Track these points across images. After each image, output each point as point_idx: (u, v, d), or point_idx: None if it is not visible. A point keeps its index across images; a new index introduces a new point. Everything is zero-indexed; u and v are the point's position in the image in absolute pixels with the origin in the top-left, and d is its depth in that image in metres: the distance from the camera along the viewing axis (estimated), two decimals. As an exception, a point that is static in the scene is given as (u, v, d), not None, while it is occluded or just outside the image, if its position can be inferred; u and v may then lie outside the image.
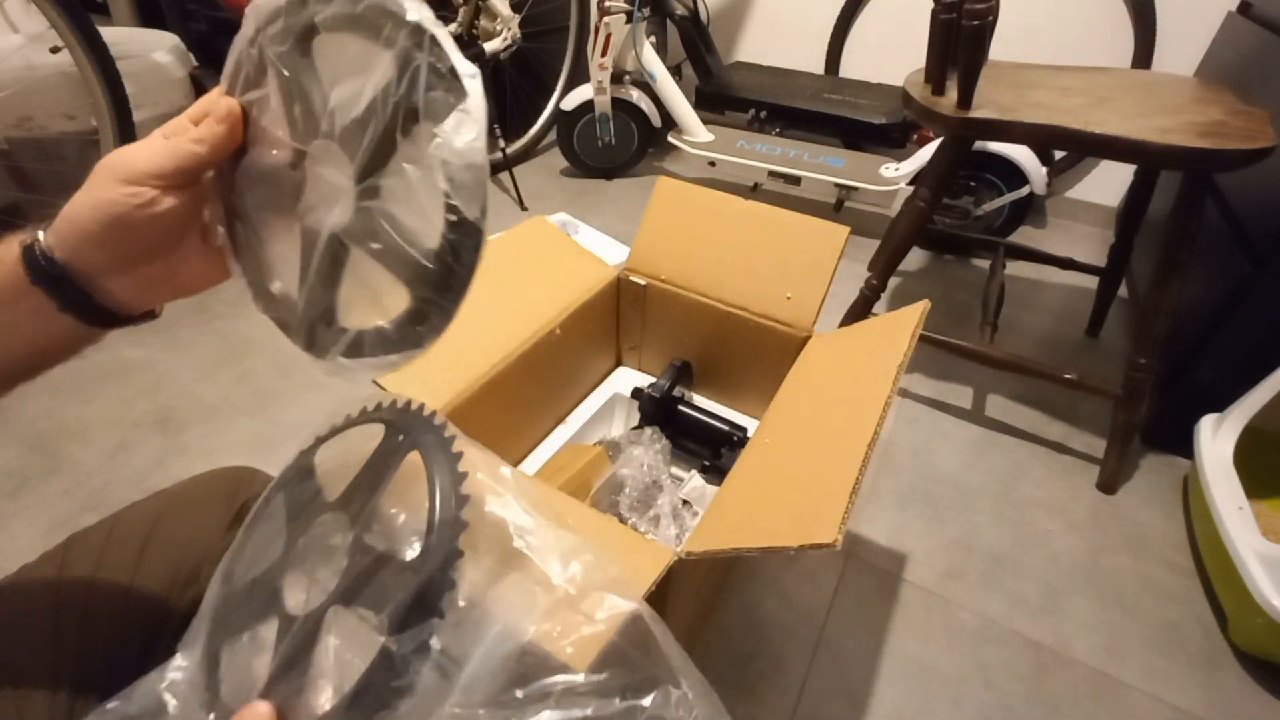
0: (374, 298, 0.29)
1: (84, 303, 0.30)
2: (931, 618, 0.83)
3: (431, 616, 0.25)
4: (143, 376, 1.14)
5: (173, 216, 0.30)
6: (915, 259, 1.60)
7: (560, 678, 0.27)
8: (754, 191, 1.75)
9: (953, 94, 0.85)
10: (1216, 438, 0.91)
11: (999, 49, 0.95)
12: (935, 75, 0.87)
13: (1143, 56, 1.54)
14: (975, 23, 0.76)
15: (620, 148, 1.85)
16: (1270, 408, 0.88)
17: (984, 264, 1.57)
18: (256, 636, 0.28)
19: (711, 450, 0.77)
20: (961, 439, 1.10)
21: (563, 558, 0.30)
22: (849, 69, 1.89)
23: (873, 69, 1.85)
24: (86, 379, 1.13)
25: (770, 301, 0.72)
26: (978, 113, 0.83)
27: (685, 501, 0.73)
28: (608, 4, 1.55)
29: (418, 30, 0.25)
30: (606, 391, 0.85)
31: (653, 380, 0.80)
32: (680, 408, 0.78)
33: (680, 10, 1.70)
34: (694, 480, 0.78)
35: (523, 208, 1.75)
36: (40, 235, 0.29)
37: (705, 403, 0.83)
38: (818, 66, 1.91)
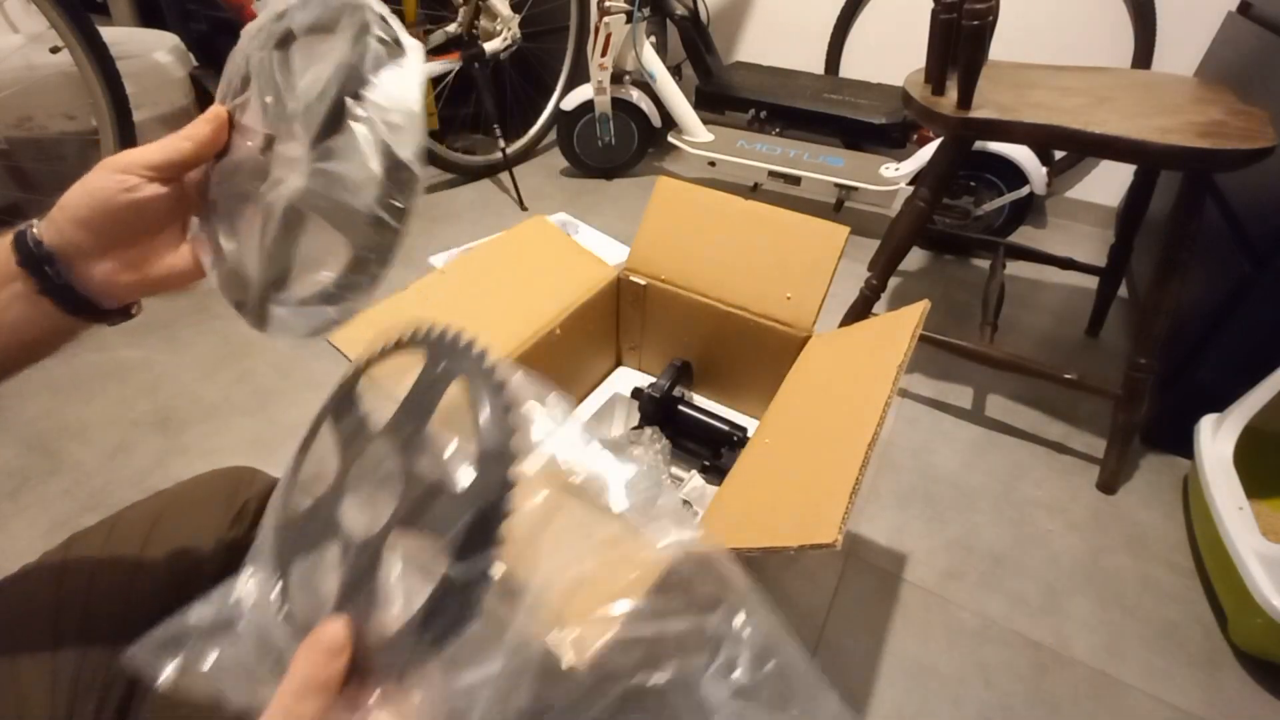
0: (321, 263, 0.32)
1: (63, 288, 0.32)
2: (931, 618, 0.83)
3: (490, 545, 0.25)
4: (142, 376, 1.14)
5: (155, 204, 0.33)
6: (915, 259, 1.60)
7: (623, 602, 0.27)
8: (754, 191, 1.75)
9: (953, 94, 0.85)
10: (1216, 438, 0.91)
11: (999, 49, 0.95)
12: (935, 75, 0.87)
13: (1143, 56, 1.54)
14: (975, 23, 0.76)
15: (620, 148, 1.85)
16: (1270, 408, 0.88)
17: (984, 264, 1.57)
18: (321, 558, 0.28)
19: (711, 450, 0.77)
20: (961, 439, 1.10)
21: (620, 486, 0.30)
22: (849, 69, 1.89)
23: (873, 69, 1.85)
24: (86, 379, 1.13)
25: (770, 301, 0.72)
26: (978, 113, 0.83)
27: (685, 501, 0.73)
28: (608, 4, 1.55)
29: (370, 10, 0.29)
30: (606, 391, 0.85)
31: (653, 380, 0.80)
32: (680, 408, 0.78)
33: (680, 10, 1.70)
34: (694, 480, 0.78)
35: (523, 208, 1.75)
36: (35, 223, 0.32)
37: (705, 403, 0.83)
38: (818, 66, 1.91)
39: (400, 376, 0.30)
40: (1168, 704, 0.75)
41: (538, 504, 0.27)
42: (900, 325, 0.57)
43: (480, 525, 0.25)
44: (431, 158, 1.78)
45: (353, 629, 0.26)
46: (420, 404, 0.29)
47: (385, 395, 0.30)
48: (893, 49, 1.82)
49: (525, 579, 0.26)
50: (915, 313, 0.58)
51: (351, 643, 0.25)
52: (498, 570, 0.25)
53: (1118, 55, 1.58)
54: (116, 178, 0.31)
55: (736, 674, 0.27)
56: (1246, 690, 0.77)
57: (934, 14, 0.82)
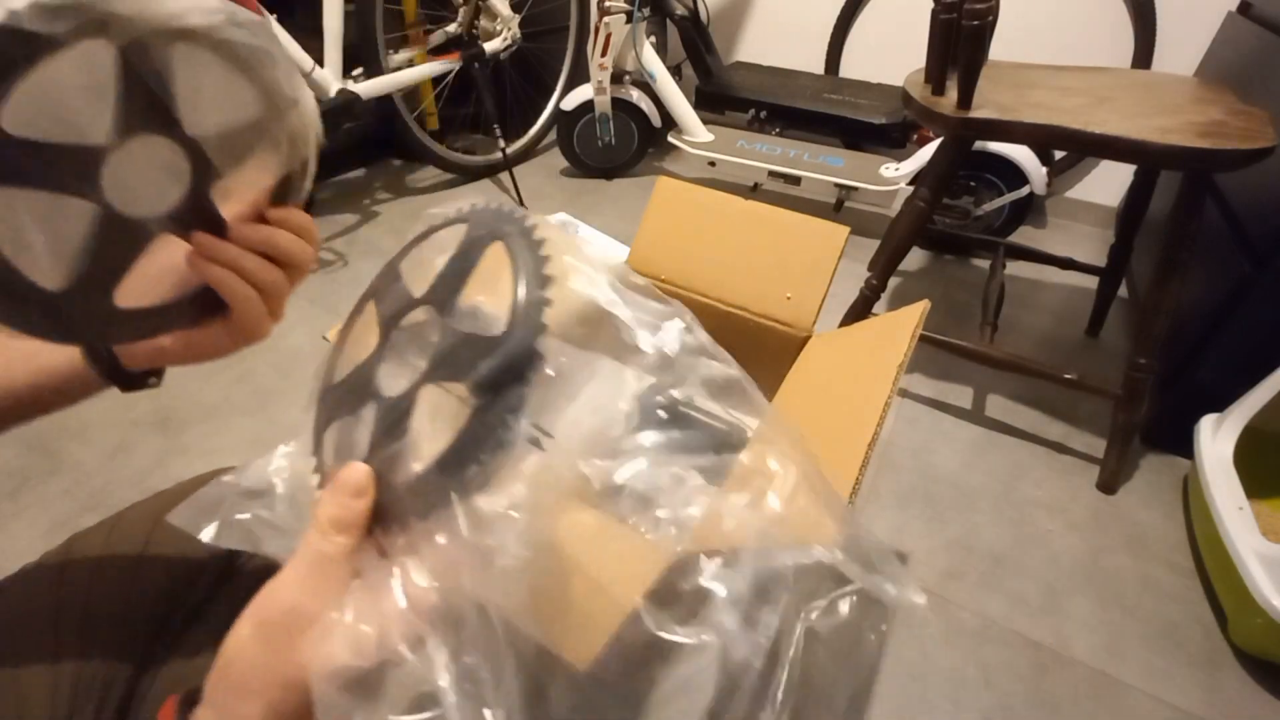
0: None
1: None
2: (931, 618, 0.83)
3: (517, 385, 0.25)
4: (143, 376, 1.14)
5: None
6: (915, 259, 1.60)
7: (651, 434, 0.28)
8: (754, 191, 1.75)
9: (953, 94, 0.85)
10: (1216, 438, 0.91)
11: (999, 49, 0.95)
12: (935, 75, 0.87)
13: (1143, 56, 1.54)
14: (975, 23, 0.76)
15: (620, 148, 1.85)
16: (1270, 408, 0.88)
17: (984, 264, 1.57)
18: (357, 418, 0.29)
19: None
20: (961, 439, 1.10)
21: (651, 326, 0.30)
22: (849, 69, 1.89)
23: (873, 69, 1.85)
24: (86, 379, 1.13)
25: (770, 301, 0.72)
26: (978, 113, 0.83)
27: (686, 501, 0.73)
28: (608, 4, 1.55)
29: None
30: (606, 391, 0.85)
31: (653, 381, 0.80)
32: (680, 407, 0.78)
33: (680, 10, 1.70)
34: (695, 479, 0.78)
35: (522, 208, 1.75)
36: None
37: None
38: (818, 66, 1.91)
39: (443, 250, 0.30)
40: (1168, 704, 0.75)
41: (570, 348, 0.27)
42: (900, 325, 0.57)
43: (508, 365, 0.25)
44: (432, 158, 1.78)
45: (377, 474, 0.26)
46: (459, 268, 0.29)
47: (427, 267, 0.30)
48: (893, 49, 1.81)
49: (555, 422, 0.26)
50: (915, 313, 0.57)
51: (374, 487, 0.26)
52: (525, 411, 0.25)
53: (1118, 55, 1.58)
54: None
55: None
56: (1246, 690, 0.77)
57: (934, 14, 0.82)
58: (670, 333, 0.31)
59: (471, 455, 0.25)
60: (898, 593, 0.29)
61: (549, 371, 0.25)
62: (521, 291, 0.26)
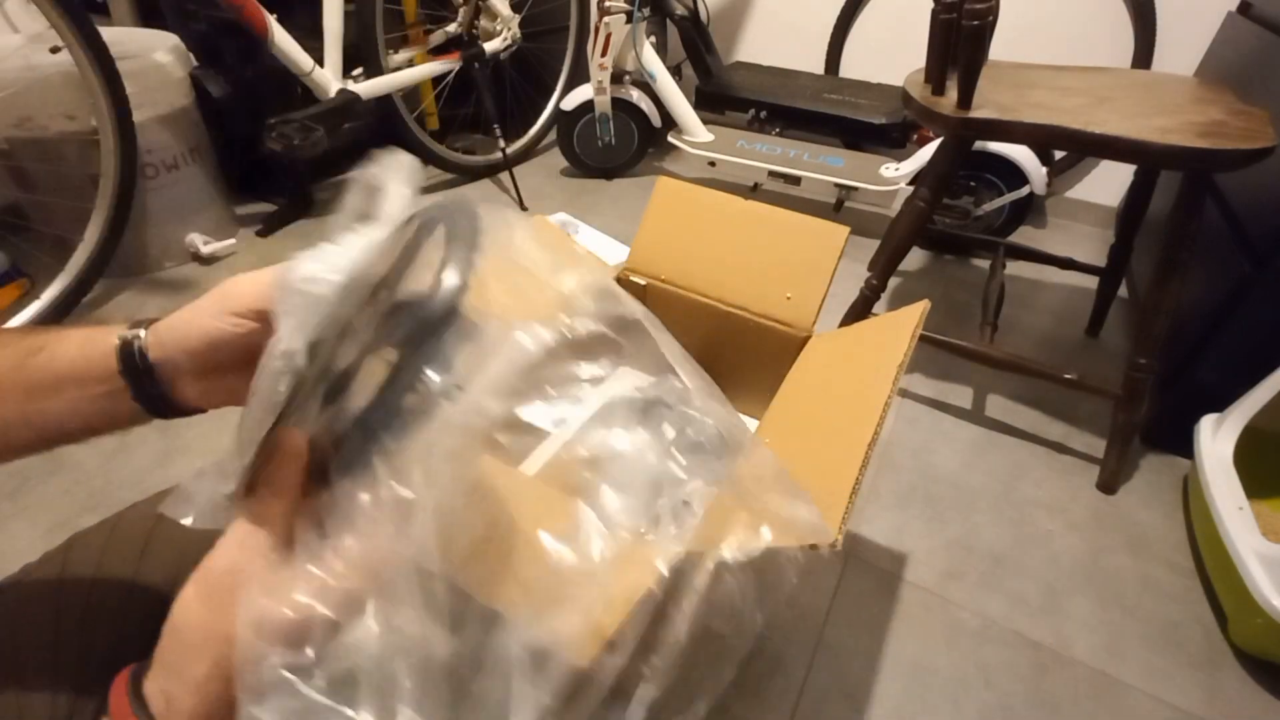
0: None
1: (156, 397, 0.34)
2: (931, 618, 0.83)
3: (435, 340, 0.27)
4: (143, 376, 1.14)
5: (262, 344, 0.32)
6: (915, 259, 1.60)
7: (563, 368, 0.31)
8: (754, 191, 1.75)
9: (953, 94, 0.85)
10: (1216, 438, 0.91)
11: (999, 49, 0.95)
12: (935, 75, 0.87)
13: (1143, 56, 1.54)
14: (975, 23, 0.76)
15: (620, 148, 1.85)
16: (1270, 408, 0.88)
17: (984, 264, 1.57)
18: (314, 395, 0.30)
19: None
20: (961, 439, 1.10)
21: (560, 274, 0.33)
22: (849, 69, 1.89)
23: (873, 69, 1.85)
24: (86, 379, 1.13)
25: (770, 301, 0.72)
26: (978, 113, 0.83)
27: (685, 502, 0.73)
28: (608, 4, 1.55)
29: None
30: (606, 392, 0.85)
31: (653, 380, 0.80)
32: (681, 408, 0.78)
33: (680, 10, 1.70)
34: (694, 481, 0.78)
35: (523, 208, 1.75)
36: (141, 333, 0.32)
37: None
38: (818, 66, 1.91)
39: (399, 243, 0.32)
40: (1168, 704, 0.75)
41: (489, 306, 0.29)
42: (900, 325, 0.57)
43: (424, 322, 0.27)
44: (432, 158, 1.78)
45: (312, 440, 0.27)
46: (409, 253, 0.31)
47: (385, 258, 0.32)
48: (893, 49, 1.82)
49: (471, 375, 0.28)
50: (915, 313, 0.57)
51: (309, 451, 0.27)
52: (441, 365, 0.26)
53: (1118, 55, 1.58)
54: (233, 320, 0.31)
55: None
56: (1246, 690, 0.77)
57: (934, 14, 0.82)
58: (581, 279, 0.33)
59: (390, 410, 0.26)
60: (802, 514, 0.32)
61: (467, 327, 0.27)
62: (447, 256, 0.28)
